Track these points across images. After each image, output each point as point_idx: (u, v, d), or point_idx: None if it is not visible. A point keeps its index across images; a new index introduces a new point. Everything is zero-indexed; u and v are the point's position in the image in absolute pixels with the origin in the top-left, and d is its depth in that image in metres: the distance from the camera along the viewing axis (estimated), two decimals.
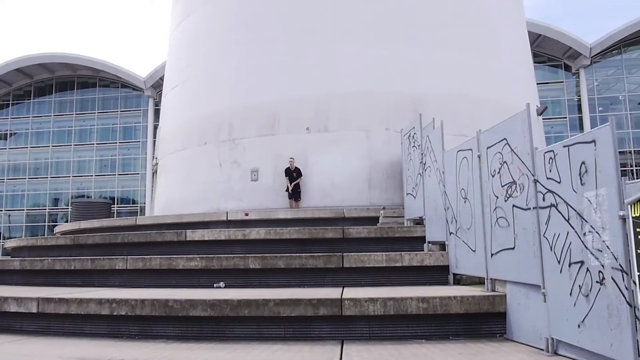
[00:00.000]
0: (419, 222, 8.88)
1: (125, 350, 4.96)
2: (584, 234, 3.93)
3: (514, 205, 5.11)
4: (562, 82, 44.79)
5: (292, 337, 5.36)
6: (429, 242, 7.91)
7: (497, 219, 5.46)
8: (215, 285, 7.02)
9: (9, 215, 56.22)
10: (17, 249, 11.82)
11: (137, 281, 7.42)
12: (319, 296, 5.46)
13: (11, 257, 10.77)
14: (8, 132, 58.22)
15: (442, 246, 7.36)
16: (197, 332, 5.50)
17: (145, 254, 8.12)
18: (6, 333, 6.06)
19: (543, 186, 4.55)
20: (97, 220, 13.62)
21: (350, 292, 5.76)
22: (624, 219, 3.43)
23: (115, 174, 53.74)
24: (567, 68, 44.80)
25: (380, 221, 9.85)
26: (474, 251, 6.05)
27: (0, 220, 56.16)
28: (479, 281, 6.46)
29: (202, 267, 7.16)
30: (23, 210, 55.51)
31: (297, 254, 7.20)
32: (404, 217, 9.72)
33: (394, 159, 11.94)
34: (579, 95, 44.15)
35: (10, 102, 57.92)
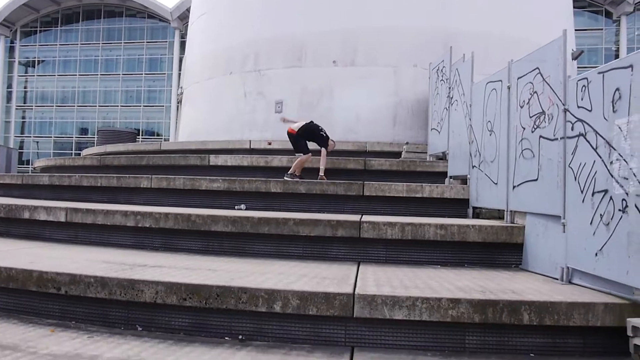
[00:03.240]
0: (442, 158, 8.83)
1: (149, 259, 5.14)
2: (611, 162, 3.87)
3: (540, 136, 5.02)
4: (602, 29, 42.98)
5: (310, 256, 5.48)
6: (451, 177, 7.89)
7: (522, 150, 5.39)
8: (236, 207, 7.15)
9: (37, 142, 57.38)
10: (46, 169, 12.13)
11: (160, 200, 7.59)
12: (338, 218, 5.54)
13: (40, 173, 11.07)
14: (36, 59, 58.56)
15: (464, 181, 7.34)
16: (217, 247, 5.67)
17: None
18: (36, 240, 6.33)
19: (573, 115, 4.45)
20: (122, 144, 13.85)
21: (369, 218, 5.83)
22: None
23: (140, 106, 54.15)
24: (608, 15, 42.82)
25: (402, 156, 9.83)
26: (496, 184, 6.02)
27: (29, 146, 57.36)
28: (498, 216, 6.47)
29: (224, 189, 7.28)
30: (51, 137, 56.63)
31: (318, 180, 7.24)
32: (426, 153, 9.67)
33: (421, 96, 11.76)
34: (618, 45, 42.40)
35: (38, 28, 57.90)
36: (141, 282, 3.98)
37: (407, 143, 10.43)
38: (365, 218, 5.69)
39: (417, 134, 11.85)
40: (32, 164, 50.32)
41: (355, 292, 3.76)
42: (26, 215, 6.41)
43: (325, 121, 12.44)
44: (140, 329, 4.05)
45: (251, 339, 3.90)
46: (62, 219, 6.17)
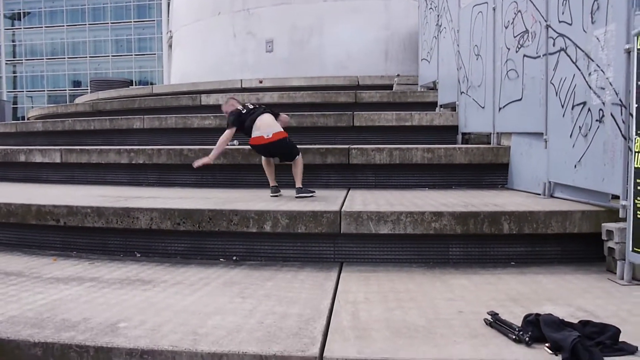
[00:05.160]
0: (433, 88, 8.83)
1: (144, 193, 5.29)
2: (589, 74, 3.93)
3: (524, 55, 5.05)
4: None
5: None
6: (441, 106, 7.93)
7: (507, 71, 5.42)
8: (229, 143, 7.22)
9: (31, 97, 56.82)
10: (40, 118, 12.13)
11: (154, 140, 7.65)
12: (327, 146, 5.64)
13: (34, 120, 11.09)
14: (21, 11, 57.11)
15: (453, 109, 7.38)
16: (211, 180, 5.80)
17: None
18: (34, 182, 6.47)
19: (554, 31, 4.47)
20: (114, 89, 13.78)
21: (359, 146, 5.92)
22: (629, 52, 3.40)
23: (131, 55, 53.27)
24: None
25: (394, 88, 9.82)
26: (483, 107, 6.08)
27: (23, 101, 56.84)
28: (486, 141, 6.55)
29: (215, 126, 7.31)
30: (44, 91, 56.05)
31: (309, 113, 7.30)
32: (418, 84, 9.66)
33: (412, 29, 11.58)
34: None
35: None
36: (136, 209, 4.13)
37: (398, 75, 10.38)
38: (355, 146, 5.79)
39: (409, 68, 11.73)
40: (26, 119, 50.18)
41: (342, 210, 3.91)
42: (22, 158, 6.52)
43: (317, 58, 12.37)
44: (139, 255, 4.24)
45: (244, 259, 4.09)
46: (58, 160, 6.28)
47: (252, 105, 5.32)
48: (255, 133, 4.97)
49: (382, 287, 3.31)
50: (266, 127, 4.95)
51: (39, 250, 4.39)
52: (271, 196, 4.95)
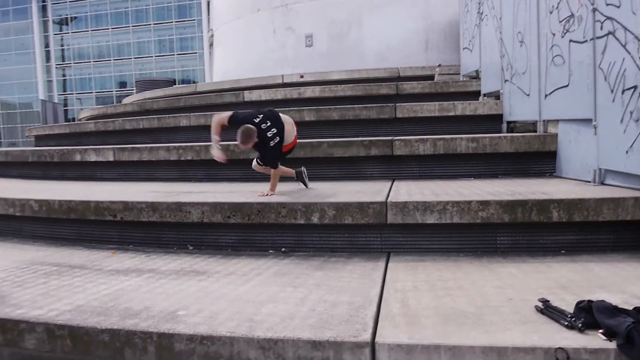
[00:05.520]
0: (475, 77, 8.72)
1: (193, 188, 5.47)
2: None
3: (570, 40, 4.94)
4: None
5: (345, 177, 5.69)
6: (484, 95, 7.83)
7: (553, 57, 5.32)
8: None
9: (80, 99, 58.79)
10: (91, 118, 12.59)
11: (200, 137, 7.83)
12: (370, 138, 5.68)
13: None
14: (68, 16, 59.08)
15: (497, 97, 7.29)
16: (256, 173, 5.90)
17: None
18: (89, 180, 6.75)
19: (602, 14, 4.36)
20: (160, 89, 14.16)
21: (402, 137, 5.94)
22: None
23: (174, 54, 54.40)
24: None
25: (435, 78, 9.74)
26: (528, 95, 5.98)
27: (72, 103, 58.84)
28: (532, 129, 6.45)
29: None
30: (92, 93, 57.93)
31: (351, 106, 7.34)
32: (459, 74, 9.55)
33: (452, 18, 11.44)
34: None
35: None
36: (188, 204, 4.29)
37: (439, 65, 10.30)
38: (398, 137, 5.81)
39: (450, 57, 11.60)
40: (76, 120, 51.99)
41: (388, 200, 3.95)
42: (78, 157, 6.82)
43: (356, 51, 12.38)
44: (192, 247, 4.40)
45: (293, 250, 4.18)
46: (111, 158, 6.55)
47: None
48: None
49: (430, 276, 3.34)
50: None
51: (98, 244, 4.61)
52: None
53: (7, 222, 5.21)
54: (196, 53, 53.23)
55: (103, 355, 2.69)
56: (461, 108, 6.91)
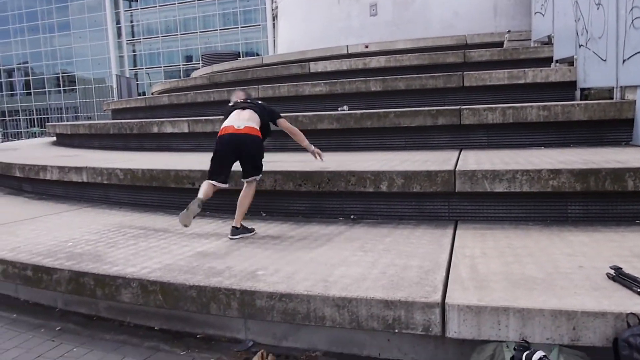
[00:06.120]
0: (547, 42, 8.40)
1: (264, 157, 5.67)
2: None
3: None
4: None
5: (411, 146, 5.74)
6: (557, 61, 7.56)
7: (633, 20, 5.07)
8: (339, 108, 7.45)
9: (148, 74, 60.81)
10: (163, 92, 13.13)
11: None
12: (437, 108, 5.67)
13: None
14: None
15: (571, 63, 7.02)
16: (325, 143, 5.99)
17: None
18: (166, 151, 7.14)
19: None
20: (227, 62, 14.50)
21: (470, 106, 5.88)
22: None
23: (238, 27, 55.04)
24: None
25: (505, 45, 9.46)
26: (605, 60, 5.75)
27: (142, 78, 60.94)
28: (608, 96, 6.20)
29: (326, 92, 7.58)
30: (160, 67, 59.77)
31: (417, 75, 7.30)
32: (530, 39, 9.22)
33: None
34: None
35: None
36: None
37: (509, 31, 9.95)
38: (466, 106, 5.76)
39: (520, 23, 11.17)
40: (146, 94, 53.93)
41: (456, 169, 3.99)
42: (155, 129, 7.21)
43: (421, 19, 12.15)
44: (264, 214, 4.62)
45: (362, 218, 4.32)
46: (186, 130, 6.88)
47: (250, 100, 4.52)
48: (225, 123, 4.15)
49: (499, 243, 3.39)
50: (240, 119, 4.10)
51: (178, 210, 4.85)
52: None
53: (95, 189, 5.64)
54: (259, 25, 53.70)
55: (190, 310, 2.95)
56: (532, 75, 6.72)
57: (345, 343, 2.81)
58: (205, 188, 4.00)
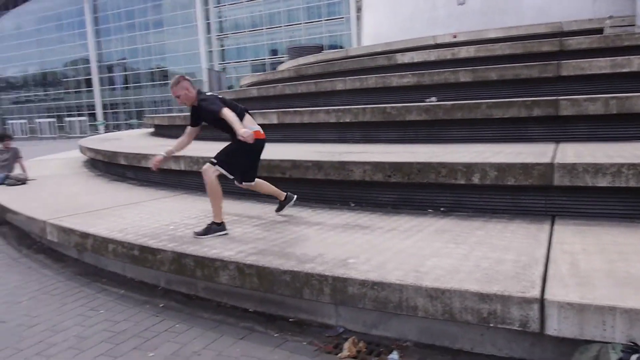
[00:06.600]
0: None
1: (352, 149, 5.72)
2: None
3: None
4: None
5: (504, 138, 5.55)
6: None
7: None
8: (427, 100, 7.34)
9: (235, 68, 62.72)
10: (252, 85, 13.53)
11: (355, 100, 8.09)
12: (533, 98, 5.45)
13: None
14: None
15: None
16: (413, 135, 6.01)
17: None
18: None
19: None
20: (312, 55, 14.68)
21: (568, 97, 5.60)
22: None
23: (322, 20, 55.47)
24: None
25: (605, 32, 8.88)
26: None
27: (230, 72, 62.96)
28: None
29: (413, 84, 7.49)
30: (247, 61, 61.49)
31: (510, 65, 7.03)
32: (635, 24, 8.60)
33: None
34: None
35: None
36: (351, 163, 4.54)
37: (610, 17, 9.32)
38: (564, 96, 5.49)
39: (623, 7, 10.43)
40: (233, 87, 55.67)
41: (555, 162, 3.82)
42: None
43: (512, 6, 11.66)
44: (353, 204, 4.67)
45: (452, 210, 4.25)
46: (275, 121, 7.06)
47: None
48: (254, 126, 4.34)
49: (601, 240, 3.22)
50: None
51: (269, 199, 5.06)
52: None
53: (191, 177, 5.93)
54: (343, 18, 53.75)
55: (285, 294, 3.05)
56: (637, 63, 6.27)
57: (437, 335, 2.79)
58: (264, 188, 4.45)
